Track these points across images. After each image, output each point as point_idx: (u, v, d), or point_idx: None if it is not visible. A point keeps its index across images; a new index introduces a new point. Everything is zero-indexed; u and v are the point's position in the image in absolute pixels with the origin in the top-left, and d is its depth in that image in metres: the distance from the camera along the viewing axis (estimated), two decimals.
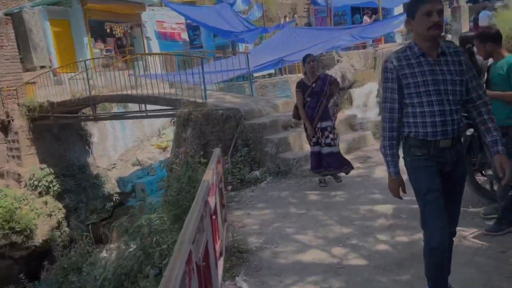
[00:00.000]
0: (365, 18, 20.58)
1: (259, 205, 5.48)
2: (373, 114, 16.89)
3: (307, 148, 6.74)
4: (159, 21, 20.41)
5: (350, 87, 18.42)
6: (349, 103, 18.07)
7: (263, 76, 18.14)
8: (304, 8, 24.82)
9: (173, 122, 8.35)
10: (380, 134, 2.76)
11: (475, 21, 17.66)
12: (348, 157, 6.66)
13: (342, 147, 6.89)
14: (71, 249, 6.74)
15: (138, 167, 13.60)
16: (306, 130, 5.70)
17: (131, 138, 14.15)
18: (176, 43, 20.91)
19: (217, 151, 3.70)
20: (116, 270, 4.29)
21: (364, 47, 20.91)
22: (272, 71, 18.11)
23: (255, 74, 17.86)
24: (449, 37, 16.82)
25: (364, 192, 5.36)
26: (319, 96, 5.48)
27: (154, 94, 8.87)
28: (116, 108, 13.21)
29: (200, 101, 8.07)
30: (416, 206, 2.65)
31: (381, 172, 6.02)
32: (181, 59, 13.08)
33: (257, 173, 6.53)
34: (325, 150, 5.58)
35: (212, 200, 2.75)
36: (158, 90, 8.81)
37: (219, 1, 21.75)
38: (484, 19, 17.77)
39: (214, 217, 2.74)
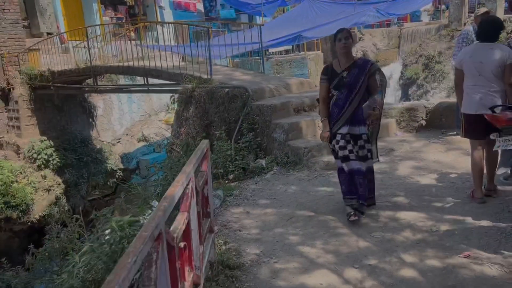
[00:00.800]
0: None
1: (261, 202, 4.68)
2: (393, 98, 15.82)
3: None
4: None
5: None
6: None
7: (279, 53, 17.10)
8: None
9: (173, 99, 7.47)
10: None
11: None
12: None
13: None
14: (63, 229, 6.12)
15: (144, 143, 12.90)
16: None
17: (138, 112, 13.41)
18: (191, 14, 19.89)
19: (202, 145, 2.87)
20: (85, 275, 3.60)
21: (388, 25, 19.60)
22: (289, 47, 17.04)
23: (271, 50, 16.83)
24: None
25: (386, 194, 4.50)
26: (351, 90, 3.80)
27: (157, 67, 8.02)
28: (123, 81, 12.45)
29: (206, 77, 7.21)
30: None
31: (406, 169, 5.14)
32: (194, 31, 12.19)
33: (262, 162, 5.70)
34: (357, 165, 3.89)
35: (183, 219, 1.94)
36: (167, 63, 7.92)
37: None
38: None
39: (184, 244, 1.94)
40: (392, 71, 16.02)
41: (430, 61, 12.61)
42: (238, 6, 17.95)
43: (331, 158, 5.41)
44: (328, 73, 3.92)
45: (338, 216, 4.10)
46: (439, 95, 12.19)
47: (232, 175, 5.62)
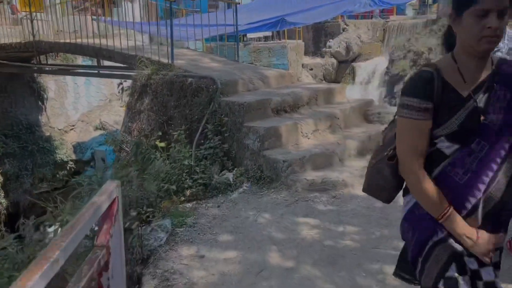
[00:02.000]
0: None
1: (222, 238, 3.40)
2: (377, 95, 14.74)
3: (305, 145, 4.63)
4: None
5: (354, 60, 16.14)
6: (351, 78, 15.86)
7: (259, 39, 15.70)
8: None
9: (122, 88, 6.02)
10: None
11: None
12: (360, 163, 4.58)
13: (353, 146, 4.79)
14: None
15: (101, 132, 11.33)
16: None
17: (97, 96, 11.77)
18: None
19: (107, 190, 1.53)
20: None
21: (371, 17, 18.47)
22: (270, 33, 15.67)
23: (250, 35, 15.42)
24: None
25: (390, 233, 3.30)
26: (500, 138, 1.40)
27: (109, 47, 6.53)
28: (81, 62, 10.80)
29: (166, 61, 5.80)
30: None
31: None
32: (164, 8, 10.65)
33: (229, 175, 4.40)
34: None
35: None
36: (121, 43, 6.45)
37: None
38: None
39: None
40: (377, 65, 14.92)
41: (420, 57, 11.52)
42: None
43: (317, 175, 4.20)
44: (433, 95, 1.42)
45: (328, 269, 2.88)
46: None
47: (189, 191, 4.30)
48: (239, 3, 8.07)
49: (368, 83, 15.02)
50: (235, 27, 6.85)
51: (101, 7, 12.63)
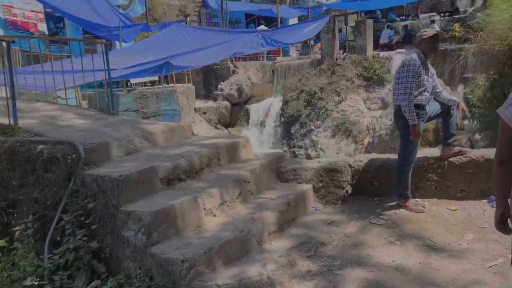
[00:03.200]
0: (262, 28, 17.97)
1: None
2: (272, 135, 14.18)
3: (211, 227, 3.34)
4: (7, 6, 15.14)
5: (247, 102, 15.52)
6: (246, 120, 15.14)
7: (144, 84, 14.20)
8: (195, 10, 21.40)
9: None
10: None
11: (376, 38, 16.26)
12: (284, 243, 3.43)
13: (271, 220, 3.63)
14: None
15: None
16: None
17: None
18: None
19: None
20: None
21: (258, 58, 18.32)
22: (156, 77, 14.29)
23: (133, 81, 13.86)
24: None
25: None
26: None
27: None
28: None
29: (6, 122, 4.09)
30: None
31: None
32: (29, 54, 8.67)
33: None
34: None
35: None
36: None
37: None
38: (385, 36, 16.51)
39: None
40: (270, 106, 14.45)
41: (312, 97, 11.21)
42: (92, 29, 14.57)
43: (231, 275, 2.89)
44: None
45: None
46: (323, 133, 10.78)
47: None
48: (108, 43, 6.61)
49: (263, 125, 14.43)
50: (106, 71, 5.38)
51: None
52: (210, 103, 14.89)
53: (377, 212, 4.07)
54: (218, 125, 14.84)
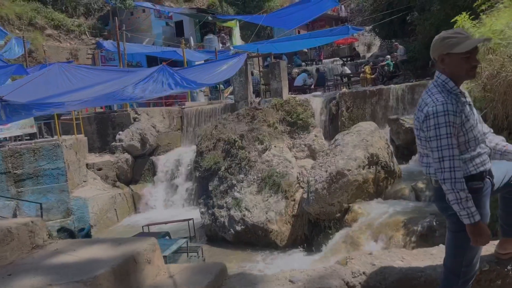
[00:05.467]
0: None
1: None
2: (185, 197, 11.76)
3: None
4: None
5: (152, 153, 12.99)
6: (151, 175, 12.53)
7: (16, 138, 10.91)
8: (88, 53, 18.55)
9: None
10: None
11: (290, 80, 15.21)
12: None
13: None
14: None
15: None
16: None
17: None
18: None
19: None
20: None
21: (162, 104, 16.09)
22: (34, 130, 11.15)
23: (1, 134, 10.57)
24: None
25: None
26: None
27: None
28: None
29: None
30: None
31: None
32: None
33: None
34: None
35: None
36: None
37: None
38: (300, 79, 15.55)
39: None
40: (180, 159, 12.13)
41: (232, 146, 9.26)
42: None
43: None
44: None
45: None
46: (248, 189, 8.79)
47: None
48: None
49: (173, 180, 12.00)
50: None
51: None
52: (107, 157, 12.07)
53: None
54: (117, 183, 12.02)
